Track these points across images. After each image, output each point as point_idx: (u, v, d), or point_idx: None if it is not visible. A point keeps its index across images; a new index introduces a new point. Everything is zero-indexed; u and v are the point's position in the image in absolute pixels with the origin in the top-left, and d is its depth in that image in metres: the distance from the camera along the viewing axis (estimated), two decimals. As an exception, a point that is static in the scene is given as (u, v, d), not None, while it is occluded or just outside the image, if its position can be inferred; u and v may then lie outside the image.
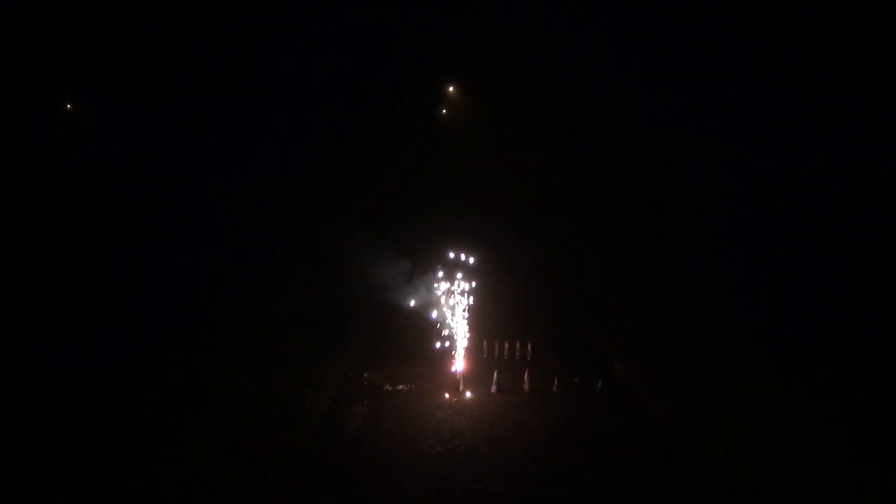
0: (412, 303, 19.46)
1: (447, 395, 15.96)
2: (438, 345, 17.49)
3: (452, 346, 17.06)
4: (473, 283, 18.11)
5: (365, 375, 17.30)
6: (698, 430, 14.26)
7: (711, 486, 12.02)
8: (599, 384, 16.59)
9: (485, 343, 19.19)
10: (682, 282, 25.94)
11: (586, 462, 12.80)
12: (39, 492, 11.27)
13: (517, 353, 18.97)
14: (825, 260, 25.63)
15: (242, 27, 34.18)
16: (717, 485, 12.04)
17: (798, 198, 29.69)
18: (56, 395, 14.90)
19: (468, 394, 16.06)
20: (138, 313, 21.16)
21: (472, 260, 18.29)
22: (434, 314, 17.99)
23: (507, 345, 19.17)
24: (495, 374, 16.57)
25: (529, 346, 19.06)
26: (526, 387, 16.42)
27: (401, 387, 16.55)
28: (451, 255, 18.24)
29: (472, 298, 18.08)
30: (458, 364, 16.63)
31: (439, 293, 17.94)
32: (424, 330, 19.07)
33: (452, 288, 17.66)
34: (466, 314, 17.75)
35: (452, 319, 17.38)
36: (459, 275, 17.83)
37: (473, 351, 18.40)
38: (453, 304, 17.48)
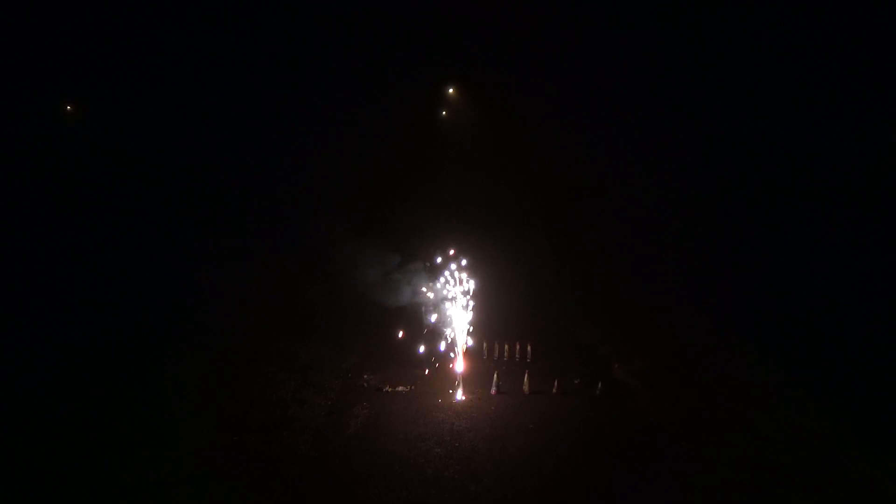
0: (411, 303, 19.43)
1: (451, 393, 15.94)
2: (442, 346, 17.45)
3: (452, 348, 17.03)
4: (473, 284, 18.09)
5: (364, 377, 17.29)
6: (699, 432, 14.24)
7: (712, 488, 11.99)
8: (600, 386, 16.56)
9: (485, 344, 19.17)
10: (685, 283, 25.87)
11: (586, 463, 12.78)
12: (39, 492, 11.23)
13: (517, 355, 18.96)
14: (828, 260, 25.54)
15: (243, 27, 34.13)
16: (718, 487, 12.02)
17: (799, 197, 29.60)
18: (54, 395, 14.82)
19: (463, 397, 16.02)
20: (130, 314, 20.92)
21: (471, 260, 18.28)
22: (433, 316, 17.97)
23: (507, 346, 19.15)
24: (495, 375, 16.54)
25: (529, 347, 19.05)
26: (526, 388, 16.41)
27: (400, 388, 16.53)
28: (451, 253, 18.24)
29: (472, 302, 18.05)
30: (458, 366, 16.61)
31: (439, 293, 17.92)
32: (424, 329, 19.02)
33: (452, 288, 17.64)
34: (471, 314, 17.71)
35: (452, 320, 17.36)
36: (459, 275, 17.81)
37: (473, 352, 18.35)
38: (453, 304, 17.45)
